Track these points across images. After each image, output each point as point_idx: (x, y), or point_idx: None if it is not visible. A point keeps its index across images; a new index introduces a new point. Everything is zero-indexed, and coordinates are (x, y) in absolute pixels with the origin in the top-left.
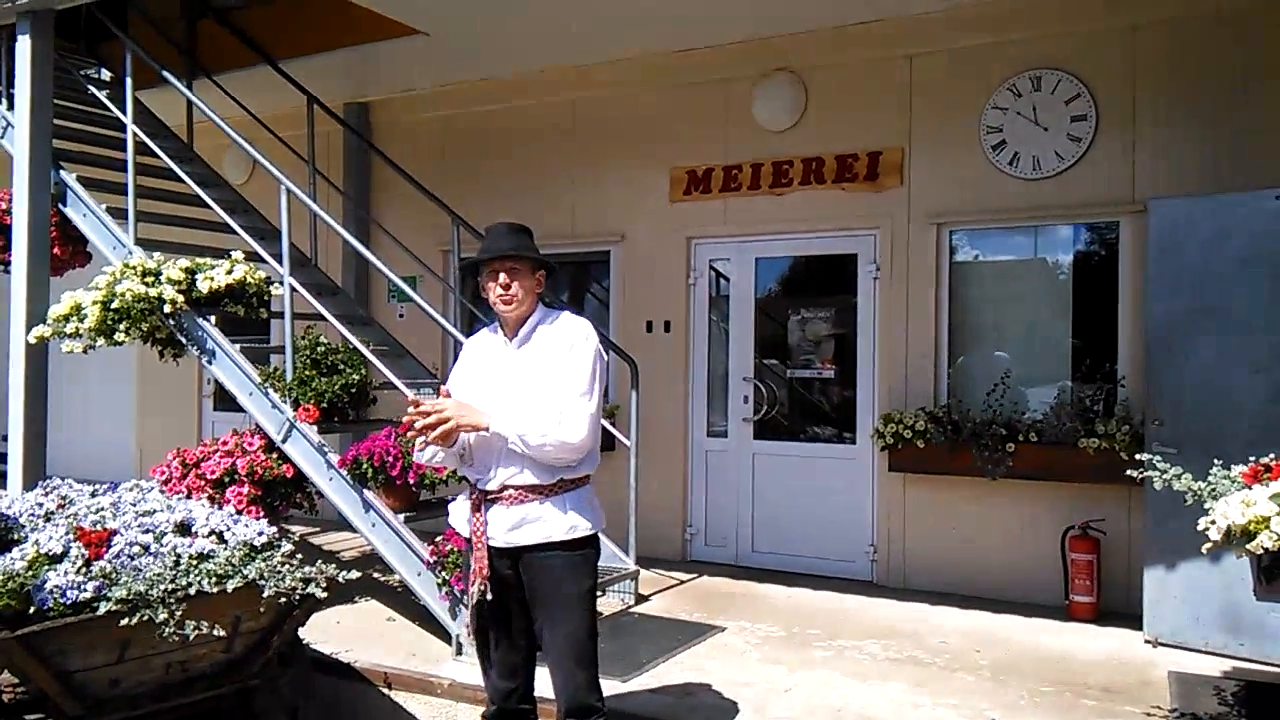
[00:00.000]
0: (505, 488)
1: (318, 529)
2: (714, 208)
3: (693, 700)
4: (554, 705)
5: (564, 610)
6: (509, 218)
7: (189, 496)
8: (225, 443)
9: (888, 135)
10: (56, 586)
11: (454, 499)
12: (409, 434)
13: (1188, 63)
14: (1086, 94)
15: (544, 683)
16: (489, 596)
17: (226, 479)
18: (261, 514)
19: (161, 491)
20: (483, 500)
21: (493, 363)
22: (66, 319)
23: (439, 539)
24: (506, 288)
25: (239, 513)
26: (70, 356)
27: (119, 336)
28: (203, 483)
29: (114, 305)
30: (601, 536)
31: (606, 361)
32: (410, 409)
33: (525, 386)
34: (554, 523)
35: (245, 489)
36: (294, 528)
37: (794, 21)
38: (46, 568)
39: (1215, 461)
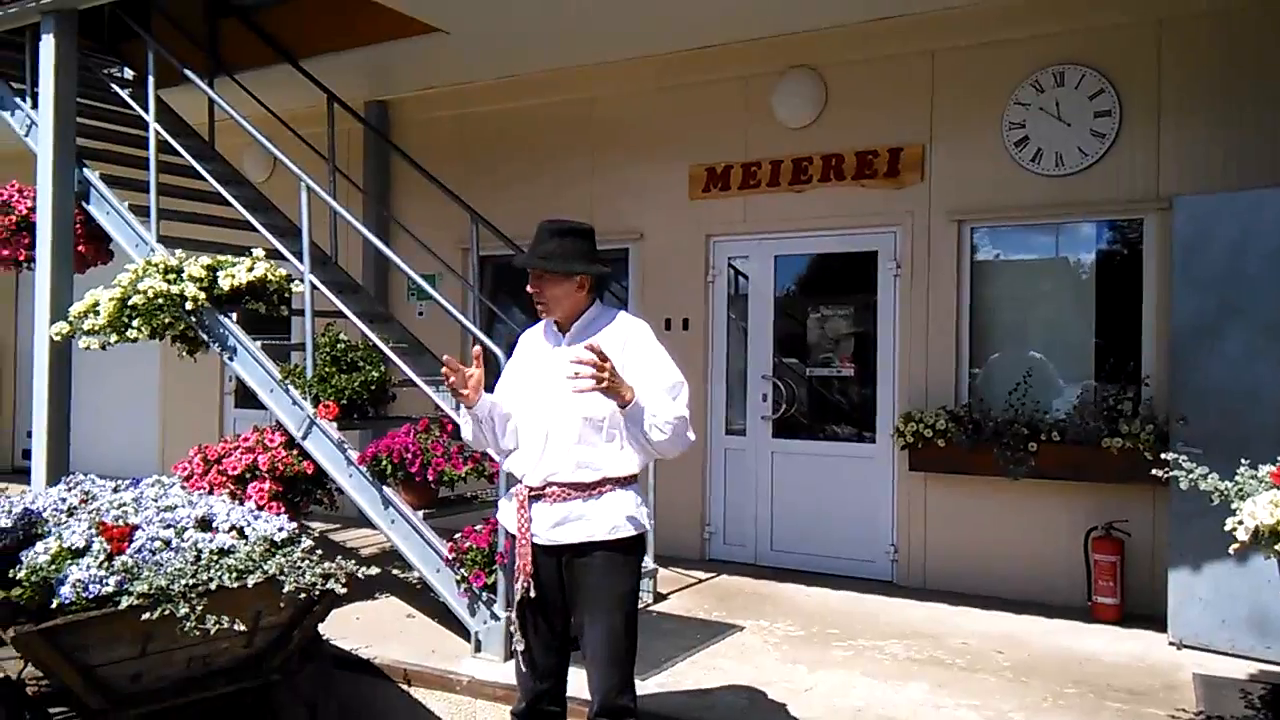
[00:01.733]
0: (548, 484)
1: (338, 525)
2: (733, 205)
3: (711, 700)
4: (586, 705)
5: (603, 611)
6: (527, 216)
7: (210, 492)
8: (246, 439)
9: (909, 131)
10: (79, 580)
11: (506, 496)
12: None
13: (1213, 57)
14: (1110, 89)
15: (578, 683)
16: (532, 594)
17: (248, 475)
18: (282, 510)
19: (183, 487)
20: (527, 496)
21: (541, 359)
22: (85, 315)
23: (458, 536)
24: (536, 295)
25: (260, 508)
26: (97, 354)
27: (131, 333)
28: (224, 479)
29: (131, 301)
30: None
31: None
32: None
33: (570, 384)
34: (597, 522)
35: (266, 485)
36: (314, 524)
37: (814, 17)
38: (69, 562)
39: (1242, 461)
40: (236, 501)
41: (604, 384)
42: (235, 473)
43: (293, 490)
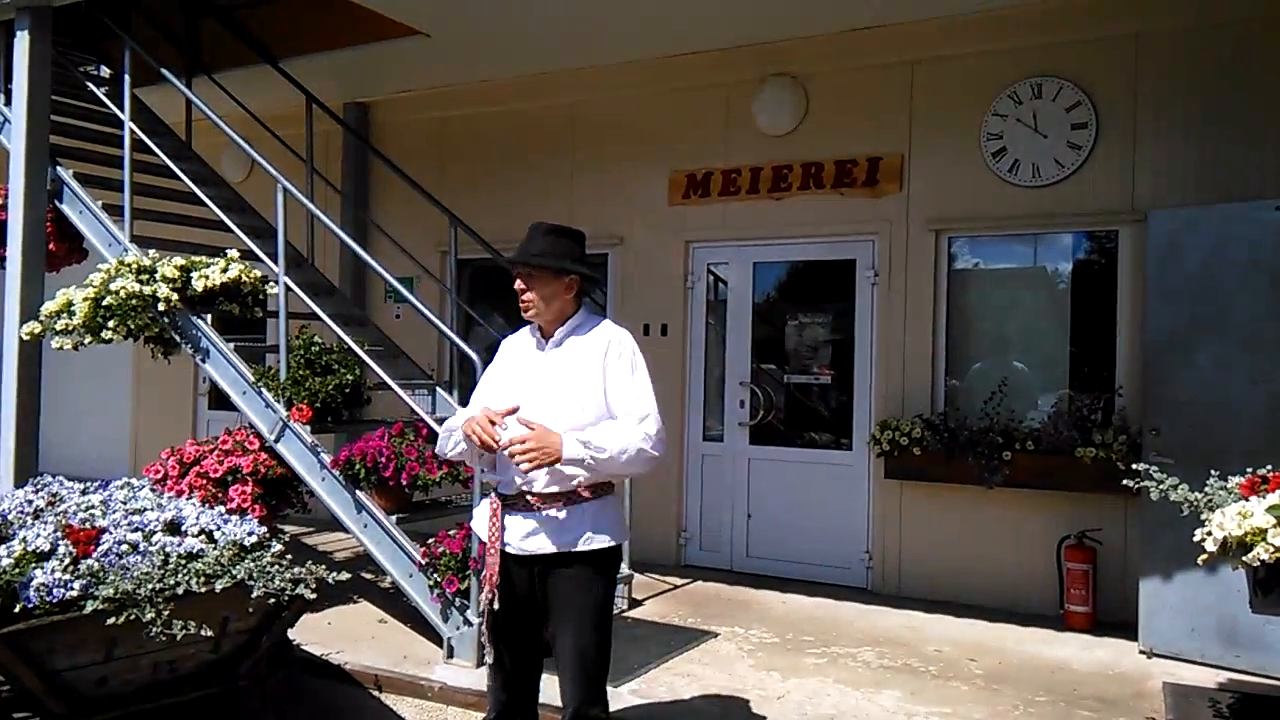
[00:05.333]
0: (523, 494)
1: (310, 529)
2: (713, 212)
3: (684, 707)
4: (557, 713)
5: (576, 621)
6: (506, 220)
7: (190, 495)
8: (225, 441)
9: (888, 141)
10: (43, 584)
11: (479, 504)
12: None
13: (1189, 71)
14: (1087, 102)
15: (550, 691)
16: (495, 605)
17: (230, 478)
18: (264, 512)
19: (153, 490)
20: (501, 506)
21: (524, 364)
22: (58, 315)
23: (431, 541)
24: (521, 293)
25: (243, 511)
26: (68, 355)
27: (106, 334)
28: (204, 481)
29: (105, 302)
30: None
31: None
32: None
33: (554, 391)
34: (572, 532)
35: (249, 487)
36: (287, 528)
37: (795, 26)
38: (33, 565)
39: (1212, 472)
40: (218, 504)
41: (537, 461)
42: (216, 475)
43: (273, 493)
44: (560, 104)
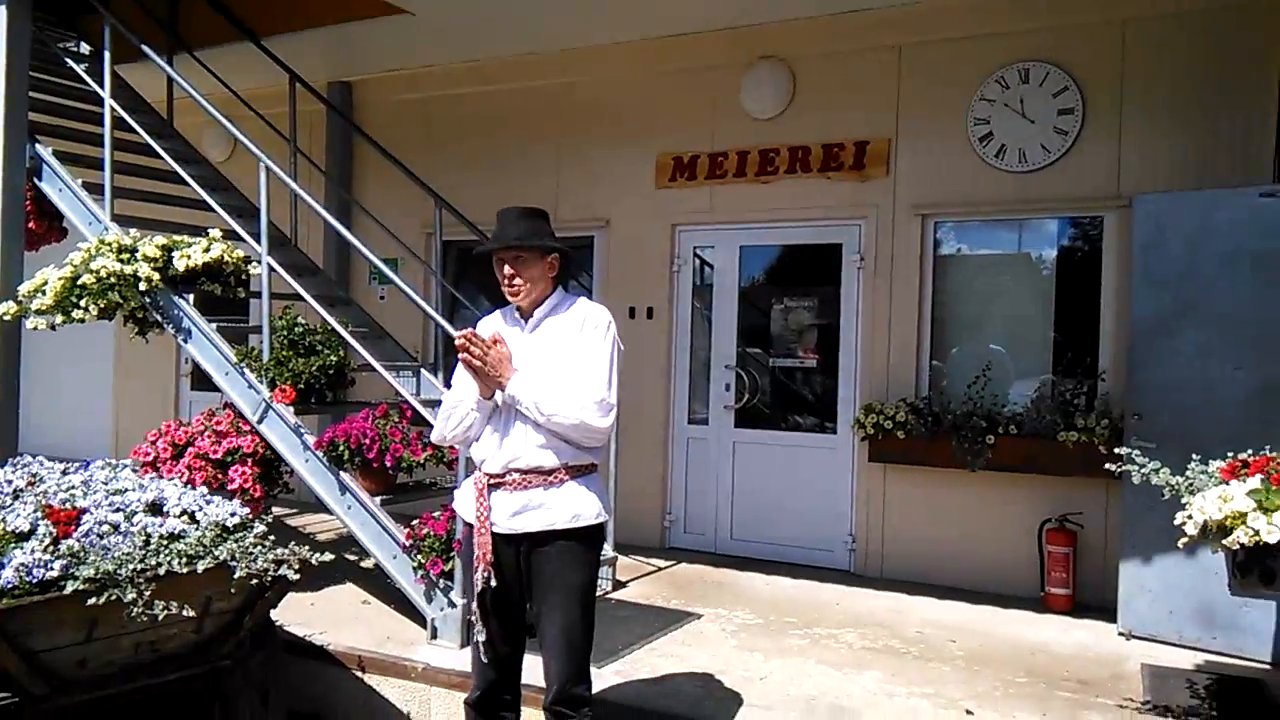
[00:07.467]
0: (509, 471)
1: (294, 510)
2: (699, 195)
3: (667, 687)
4: (540, 693)
5: (561, 599)
6: (492, 202)
7: (189, 476)
8: (218, 422)
9: (875, 125)
10: (22, 564)
11: (459, 484)
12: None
13: (1176, 58)
14: (1074, 87)
15: (534, 671)
16: (493, 583)
17: (229, 459)
18: (262, 492)
19: (135, 471)
20: (487, 484)
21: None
22: (35, 295)
23: (415, 522)
24: (511, 278)
25: (244, 491)
26: (49, 335)
27: (78, 314)
28: (204, 463)
29: (82, 281)
30: None
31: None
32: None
33: (537, 370)
34: (557, 510)
35: (249, 468)
36: (272, 509)
37: (783, 9)
38: (13, 545)
39: (1193, 457)
40: (218, 486)
41: (482, 366)
42: (217, 457)
43: (268, 474)
44: (547, 86)
